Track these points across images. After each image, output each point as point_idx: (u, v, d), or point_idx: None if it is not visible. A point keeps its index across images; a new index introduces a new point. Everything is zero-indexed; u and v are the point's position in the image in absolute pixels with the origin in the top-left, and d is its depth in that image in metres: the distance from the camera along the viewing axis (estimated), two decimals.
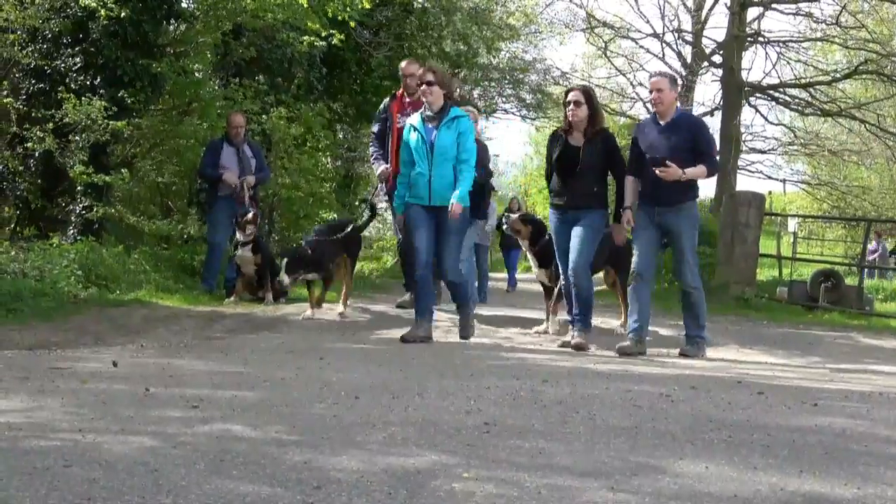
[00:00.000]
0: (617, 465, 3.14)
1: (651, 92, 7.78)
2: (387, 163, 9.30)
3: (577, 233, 7.80)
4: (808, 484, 2.99)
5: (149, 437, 3.36)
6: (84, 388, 4.49)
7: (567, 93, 8.14)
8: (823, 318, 11.96)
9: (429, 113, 7.78)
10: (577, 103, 7.83)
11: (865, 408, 4.68)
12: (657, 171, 7.36)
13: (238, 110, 11.91)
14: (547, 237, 8.53)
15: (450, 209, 7.54)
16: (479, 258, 14.03)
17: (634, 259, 7.68)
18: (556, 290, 8.70)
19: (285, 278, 8.51)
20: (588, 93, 8.05)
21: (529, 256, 9.14)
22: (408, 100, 9.33)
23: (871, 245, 23.44)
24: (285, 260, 8.58)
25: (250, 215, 9.99)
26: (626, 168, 7.90)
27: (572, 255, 7.79)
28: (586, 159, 7.78)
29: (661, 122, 7.64)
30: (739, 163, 25.97)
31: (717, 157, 7.77)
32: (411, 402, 4.29)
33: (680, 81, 21.00)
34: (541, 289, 9.28)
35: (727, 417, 4.19)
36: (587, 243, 7.77)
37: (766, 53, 25.61)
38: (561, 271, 8.14)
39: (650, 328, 8.01)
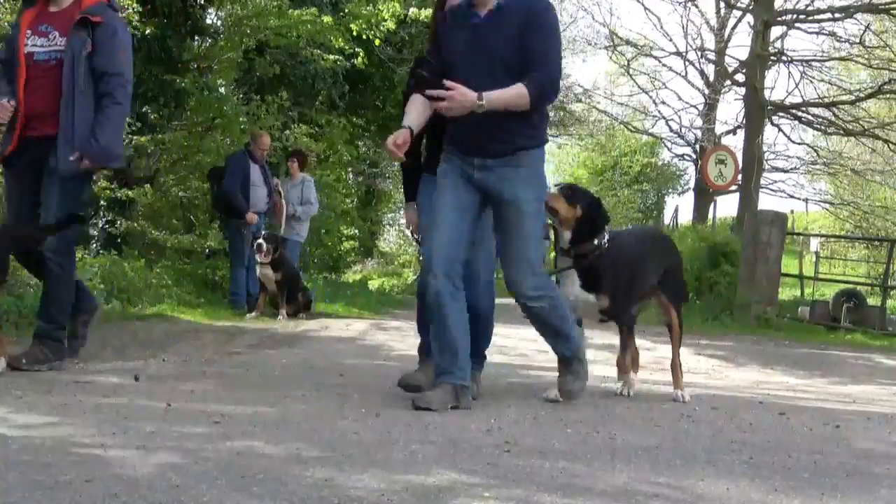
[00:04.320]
0: (637, 486, 3.13)
1: None
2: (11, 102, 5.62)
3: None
4: None
5: (170, 452, 3.37)
6: (106, 403, 4.51)
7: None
8: (845, 339, 11.89)
9: None
10: None
11: (887, 430, 4.66)
12: (432, 99, 4.46)
13: (265, 131, 12.02)
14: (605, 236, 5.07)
15: None
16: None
17: (428, 245, 4.73)
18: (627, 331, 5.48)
19: None
20: None
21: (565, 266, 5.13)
22: (53, 9, 5.74)
23: None
24: None
25: (262, 244, 10.09)
26: None
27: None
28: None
29: (480, 14, 4.61)
30: (762, 182, 25.86)
31: (559, 70, 4.63)
32: (432, 421, 4.29)
33: None
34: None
35: (749, 438, 4.17)
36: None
37: (790, 72, 25.60)
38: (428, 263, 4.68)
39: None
